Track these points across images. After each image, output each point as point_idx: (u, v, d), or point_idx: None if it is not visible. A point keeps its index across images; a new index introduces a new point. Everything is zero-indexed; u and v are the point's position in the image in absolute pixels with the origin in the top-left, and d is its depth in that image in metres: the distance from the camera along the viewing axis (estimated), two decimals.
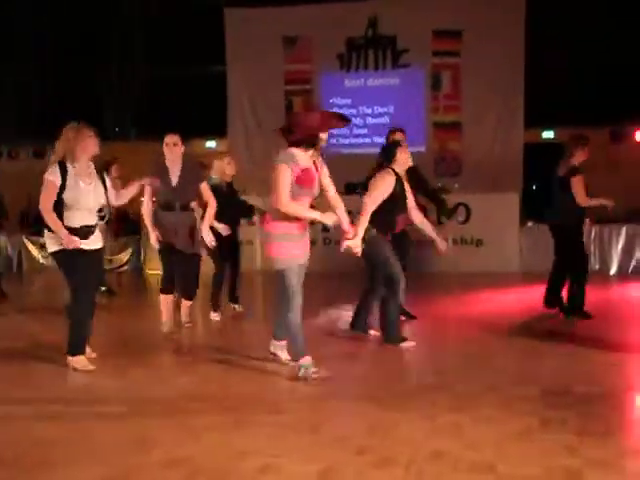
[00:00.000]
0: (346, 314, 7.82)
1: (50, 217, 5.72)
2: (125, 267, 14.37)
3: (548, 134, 16.49)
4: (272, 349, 6.01)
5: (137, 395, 5.22)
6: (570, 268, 8.13)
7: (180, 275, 7.36)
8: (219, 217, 7.65)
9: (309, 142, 5.40)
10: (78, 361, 5.89)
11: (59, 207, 5.75)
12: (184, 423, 4.46)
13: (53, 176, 5.72)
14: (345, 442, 3.99)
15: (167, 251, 7.21)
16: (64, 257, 5.84)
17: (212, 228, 7.55)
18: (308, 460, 3.72)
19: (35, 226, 13.74)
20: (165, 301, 7.39)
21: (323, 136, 5.43)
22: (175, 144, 7.12)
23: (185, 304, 7.65)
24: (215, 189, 7.68)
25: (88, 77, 17.59)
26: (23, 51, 17.09)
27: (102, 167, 6.36)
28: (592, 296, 8.22)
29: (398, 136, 7.85)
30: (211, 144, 17.70)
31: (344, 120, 5.69)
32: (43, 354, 6.46)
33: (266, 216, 5.68)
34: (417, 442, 4.01)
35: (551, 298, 8.24)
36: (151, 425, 4.45)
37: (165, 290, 7.37)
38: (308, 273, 5.72)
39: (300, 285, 5.55)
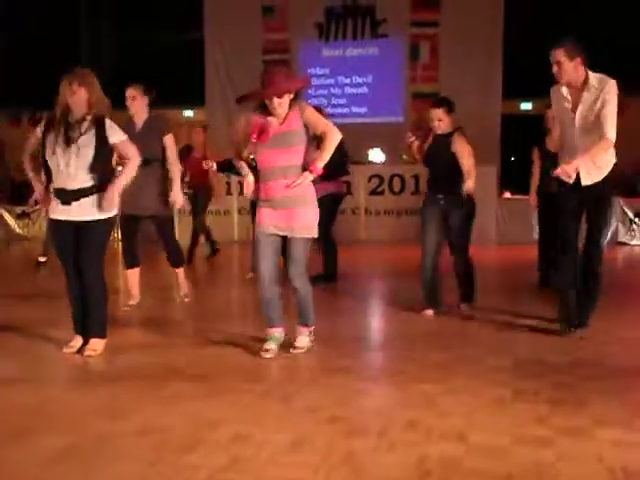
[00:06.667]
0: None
1: None
2: None
3: (526, 106, 16.51)
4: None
5: (108, 363, 5.19)
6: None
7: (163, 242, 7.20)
8: None
9: None
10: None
11: None
12: (155, 392, 4.43)
13: None
14: (317, 412, 3.98)
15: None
16: None
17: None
18: (280, 429, 3.70)
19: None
20: (132, 275, 7.16)
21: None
22: (133, 97, 6.88)
23: (176, 273, 7.41)
24: None
25: (60, 45, 17.34)
26: None
27: None
28: None
29: None
30: (189, 113, 17.58)
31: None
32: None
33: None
34: (389, 412, 4.00)
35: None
36: (121, 394, 4.42)
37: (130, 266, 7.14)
38: None
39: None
